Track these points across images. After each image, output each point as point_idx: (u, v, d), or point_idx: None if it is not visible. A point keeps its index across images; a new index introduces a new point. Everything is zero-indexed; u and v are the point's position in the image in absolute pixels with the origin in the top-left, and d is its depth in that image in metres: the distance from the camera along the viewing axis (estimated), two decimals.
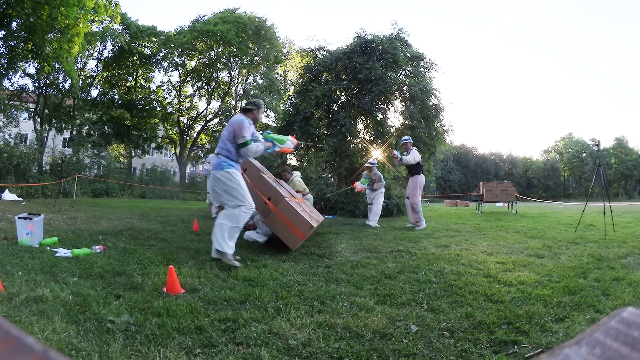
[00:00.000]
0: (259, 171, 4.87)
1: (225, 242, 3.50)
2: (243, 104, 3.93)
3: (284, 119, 11.95)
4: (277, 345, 1.83)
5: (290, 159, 12.68)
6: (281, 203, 4.31)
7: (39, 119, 21.17)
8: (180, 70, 27.52)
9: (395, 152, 6.98)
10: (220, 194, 3.68)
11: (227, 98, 28.36)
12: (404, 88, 10.60)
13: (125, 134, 26.74)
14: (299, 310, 2.31)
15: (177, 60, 26.79)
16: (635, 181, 46.10)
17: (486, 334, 2.00)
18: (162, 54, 26.26)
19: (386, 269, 3.44)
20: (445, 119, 11.23)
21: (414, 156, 6.98)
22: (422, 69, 11.32)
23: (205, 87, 28.31)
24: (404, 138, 7.41)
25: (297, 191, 6.55)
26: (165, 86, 28.01)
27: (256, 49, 26.52)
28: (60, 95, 21.56)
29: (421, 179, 7.13)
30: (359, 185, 7.65)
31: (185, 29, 25.92)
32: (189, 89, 28.83)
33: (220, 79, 28.26)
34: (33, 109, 21.28)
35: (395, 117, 11.15)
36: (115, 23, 22.17)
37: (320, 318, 2.18)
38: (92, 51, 23.49)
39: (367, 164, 7.80)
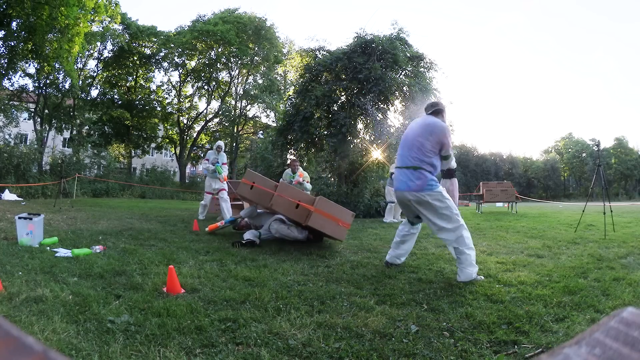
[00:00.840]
0: (266, 179, 4.78)
1: (471, 270, 3.03)
2: (428, 106, 3.41)
3: (284, 119, 11.94)
4: (277, 345, 1.83)
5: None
6: (318, 201, 4.28)
7: (39, 119, 21.17)
8: (180, 70, 27.54)
9: None
10: (430, 218, 3.15)
11: (227, 98, 28.37)
12: (404, 88, 10.60)
13: (125, 134, 26.75)
14: (299, 310, 2.31)
15: (177, 60, 26.81)
16: (635, 181, 46.08)
17: (486, 334, 2.00)
18: (162, 54, 26.28)
19: (386, 269, 3.44)
20: (445, 119, 11.21)
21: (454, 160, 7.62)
22: (422, 69, 11.31)
23: (205, 87, 28.33)
24: None
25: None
26: (165, 86, 28.07)
27: (256, 49, 26.54)
28: (60, 95, 21.56)
29: None
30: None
31: (185, 29, 25.94)
32: (189, 89, 28.88)
33: (220, 79, 28.28)
34: (33, 109, 21.28)
35: (395, 117, 11.15)
36: (115, 23, 22.19)
37: (320, 318, 2.18)
38: (92, 51, 23.52)
39: None
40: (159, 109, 27.75)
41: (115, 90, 26.46)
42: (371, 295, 2.66)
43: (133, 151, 27.87)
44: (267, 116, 29.00)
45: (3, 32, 16.65)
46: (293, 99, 12.14)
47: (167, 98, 28.35)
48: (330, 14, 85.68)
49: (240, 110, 28.52)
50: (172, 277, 2.61)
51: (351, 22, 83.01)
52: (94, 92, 25.69)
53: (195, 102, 29.32)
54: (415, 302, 2.52)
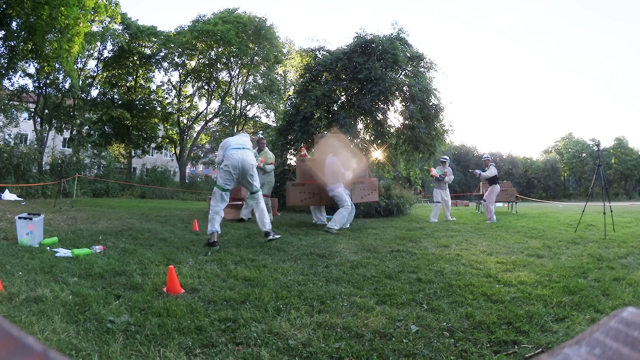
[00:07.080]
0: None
1: None
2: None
3: (284, 119, 11.94)
4: (277, 345, 1.83)
5: (290, 159, 12.68)
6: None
7: (39, 119, 21.16)
8: (180, 70, 27.52)
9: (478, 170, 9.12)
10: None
11: (227, 98, 28.35)
12: (404, 88, 10.59)
13: (125, 134, 26.74)
14: (299, 310, 2.31)
15: (177, 60, 26.78)
16: (635, 181, 46.05)
17: (486, 334, 2.00)
18: (162, 54, 26.25)
19: (386, 269, 3.43)
20: (445, 119, 11.20)
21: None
22: (422, 69, 11.30)
23: (205, 87, 28.31)
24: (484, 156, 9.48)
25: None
26: (165, 86, 28.04)
27: (256, 49, 26.51)
28: (60, 95, 21.55)
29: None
30: (434, 171, 9.16)
31: (185, 29, 25.91)
32: (189, 89, 28.86)
33: (220, 79, 28.25)
34: (33, 109, 21.27)
35: (395, 117, 11.16)
36: (115, 23, 22.16)
37: (320, 318, 2.18)
38: (92, 51, 23.48)
39: (441, 159, 9.47)
40: (159, 109, 27.72)
41: (115, 90, 26.44)
42: (371, 295, 2.65)
43: (133, 151, 27.86)
44: (267, 116, 29.02)
45: (3, 32, 16.64)
46: (293, 99, 12.14)
47: (167, 98, 28.34)
48: (330, 14, 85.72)
49: (240, 110, 28.51)
50: (172, 277, 2.61)
51: (351, 22, 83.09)
52: (94, 92, 25.69)
53: (195, 102, 29.33)
54: (415, 302, 2.52)
